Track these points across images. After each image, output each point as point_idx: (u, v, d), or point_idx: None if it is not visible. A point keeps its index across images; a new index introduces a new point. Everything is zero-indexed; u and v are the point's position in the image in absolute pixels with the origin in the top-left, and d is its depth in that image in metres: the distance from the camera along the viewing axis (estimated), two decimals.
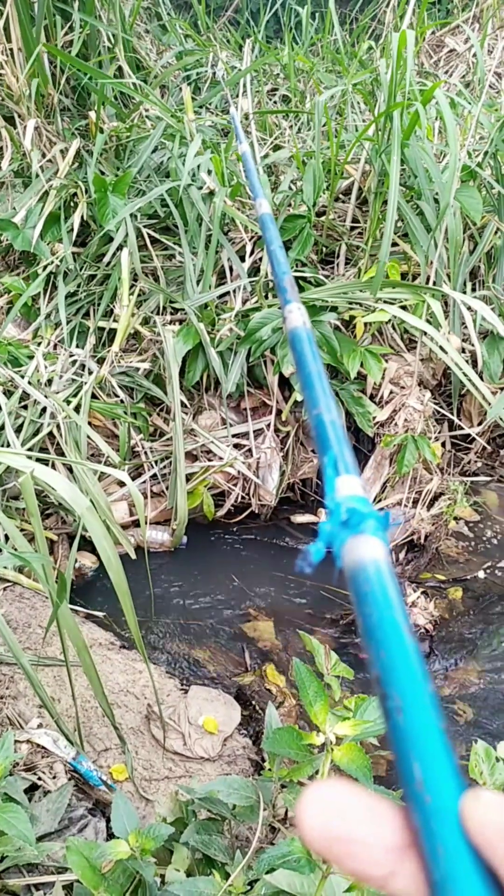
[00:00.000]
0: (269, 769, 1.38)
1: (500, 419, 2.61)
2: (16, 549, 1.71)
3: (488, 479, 2.95)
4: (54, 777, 1.66)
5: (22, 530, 2.22)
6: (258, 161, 3.14)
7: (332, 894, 1.12)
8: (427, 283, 2.70)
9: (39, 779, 1.63)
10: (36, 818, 1.47)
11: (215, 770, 1.90)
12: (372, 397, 2.73)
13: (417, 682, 0.27)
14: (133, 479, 2.64)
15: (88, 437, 2.51)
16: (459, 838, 0.24)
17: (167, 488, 2.70)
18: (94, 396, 2.65)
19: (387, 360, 2.71)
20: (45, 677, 2.02)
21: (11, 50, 3.02)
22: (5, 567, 2.31)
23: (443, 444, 2.89)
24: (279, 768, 1.35)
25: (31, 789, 1.63)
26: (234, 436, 2.75)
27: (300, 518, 2.86)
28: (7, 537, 2.09)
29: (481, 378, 2.61)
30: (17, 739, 1.73)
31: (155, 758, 1.91)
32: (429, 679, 0.28)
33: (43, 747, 1.72)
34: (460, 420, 2.90)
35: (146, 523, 2.69)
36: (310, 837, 0.27)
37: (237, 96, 3.41)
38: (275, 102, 3.91)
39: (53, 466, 2.38)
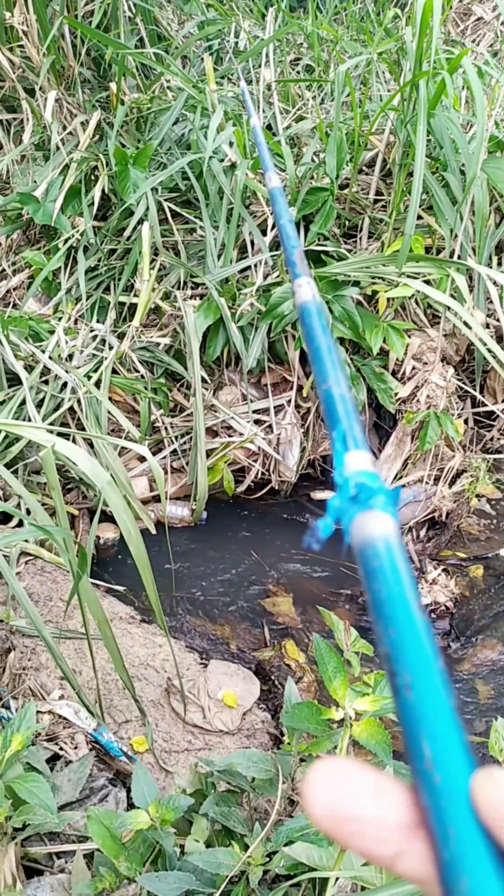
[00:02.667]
0: (288, 743, 1.38)
1: None
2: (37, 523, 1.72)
3: None
4: (76, 747, 1.68)
5: (43, 504, 2.23)
6: (281, 132, 3.09)
7: (349, 867, 1.12)
8: (451, 256, 2.65)
9: (61, 749, 1.65)
10: (58, 787, 1.49)
11: (234, 743, 1.91)
12: (394, 373, 2.70)
13: (427, 659, 0.26)
14: (153, 454, 2.64)
15: (109, 412, 2.51)
16: (470, 819, 0.24)
17: (187, 464, 2.70)
18: (114, 371, 2.64)
19: (409, 336, 2.67)
20: (67, 650, 2.04)
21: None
22: (27, 541, 2.33)
23: (465, 421, 2.86)
24: (298, 742, 1.35)
25: (53, 759, 1.65)
26: (254, 412, 2.73)
27: (320, 494, 2.85)
28: (28, 511, 2.10)
29: None
30: (39, 710, 1.75)
31: (174, 730, 1.93)
32: (439, 655, 0.27)
33: (64, 718, 1.74)
34: (483, 396, 2.86)
35: (167, 498, 2.69)
36: (316, 815, 0.26)
37: (260, 66, 3.35)
38: (298, 72, 3.84)
39: (74, 441, 2.39)
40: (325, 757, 0.28)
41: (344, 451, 0.35)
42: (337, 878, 1.15)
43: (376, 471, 0.33)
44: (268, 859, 1.23)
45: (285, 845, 1.16)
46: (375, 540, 0.30)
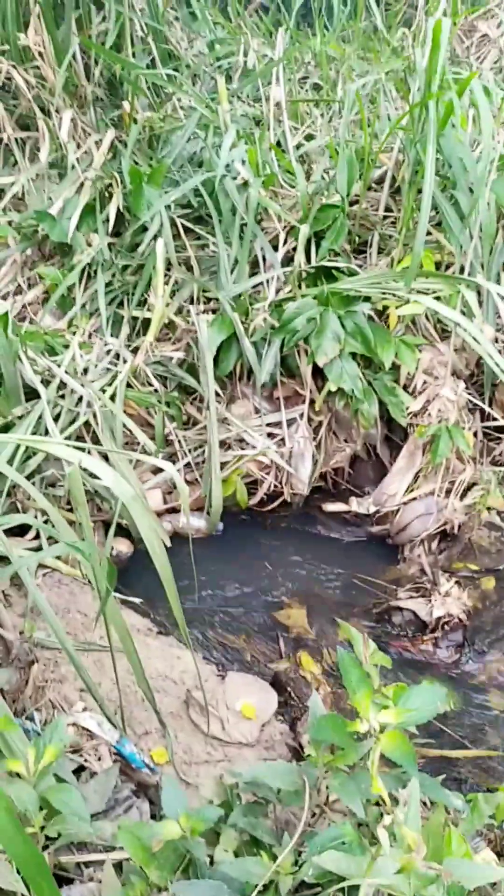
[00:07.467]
0: (310, 755, 1.40)
1: None
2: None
3: None
4: (99, 759, 1.70)
5: None
6: (291, 150, 3.13)
7: (379, 875, 1.14)
8: (461, 272, 2.69)
9: (86, 760, 1.68)
10: (85, 798, 1.51)
11: (254, 755, 1.93)
12: (405, 387, 2.74)
13: None
14: None
15: (124, 425, 2.54)
16: None
17: (201, 476, 2.73)
18: (128, 385, 2.68)
19: (420, 351, 2.71)
20: (85, 661, 2.06)
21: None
22: None
23: (475, 434, 2.89)
24: (323, 754, 1.38)
25: (78, 771, 1.67)
26: (267, 425, 2.77)
27: (332, 507, 2.87)
28: (47, 522, 2.13)
29: None
30: None
31: (194, 742, 1.95)
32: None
33: (88, 730, 1.76)
34: (493, 410, 2.89)
35: (188, 510, 2.72)
36: None
37: (269, 84, 3.40)
38: (306, 90, 3.89)
39: (89, 455, 2.41)
40: None
41: None
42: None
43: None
44: (296, 868, 1.25)
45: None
46: None
